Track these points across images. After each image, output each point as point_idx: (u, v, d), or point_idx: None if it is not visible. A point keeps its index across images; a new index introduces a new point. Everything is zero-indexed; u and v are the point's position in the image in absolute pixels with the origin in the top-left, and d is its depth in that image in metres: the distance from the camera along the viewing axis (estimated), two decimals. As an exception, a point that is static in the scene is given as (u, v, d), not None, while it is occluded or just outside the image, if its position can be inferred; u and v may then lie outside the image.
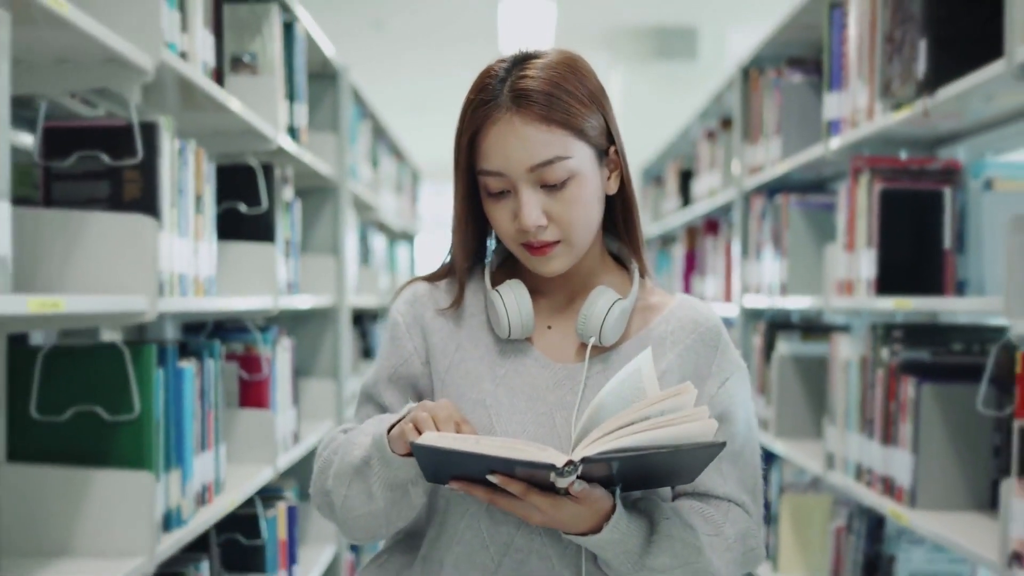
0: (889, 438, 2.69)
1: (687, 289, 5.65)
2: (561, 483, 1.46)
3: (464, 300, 1.74)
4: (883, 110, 2.68)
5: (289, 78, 3.31)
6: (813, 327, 3.77)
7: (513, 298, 1.67)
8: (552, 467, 1.42)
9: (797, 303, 3.50)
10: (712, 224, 5.12)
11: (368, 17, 8.05)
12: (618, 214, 1.72)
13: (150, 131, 2.03)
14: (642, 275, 1.73)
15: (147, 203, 2.03)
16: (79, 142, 2.02)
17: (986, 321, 2.87)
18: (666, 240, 6.60)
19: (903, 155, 3.11)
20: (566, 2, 7.55)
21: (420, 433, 1.49)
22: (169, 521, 2.18)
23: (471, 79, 1.66)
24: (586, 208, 1.63)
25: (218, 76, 2.58)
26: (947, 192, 2.73)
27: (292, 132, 3.32)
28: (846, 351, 3.03)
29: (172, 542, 2.15)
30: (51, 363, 2.04)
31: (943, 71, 2.34)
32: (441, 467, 1.50)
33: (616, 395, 1.50)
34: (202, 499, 2.43)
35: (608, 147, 1.66)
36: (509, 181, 1.61)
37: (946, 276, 2.71)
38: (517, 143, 1.59)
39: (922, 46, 2.40)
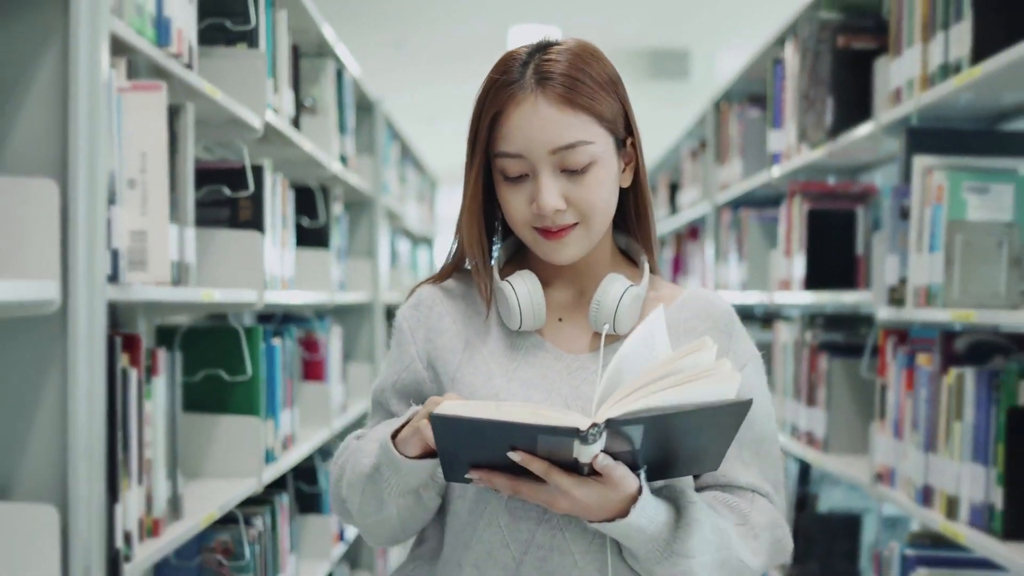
0: (811, 401, 3.47)
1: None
2: (585, 454, 1.42)
3: (468, 296, 1.72)
4: (805, 148, 3.46)
5: (340, 115, 4.09)
6: (771, 317, 4.54)
7: (525, 288, 1.64)
8: (576, 431, 1.38)
9: (753, 298, 4.27)
10: (694, 231, 5.89)
11: (391, 38, 8.81)
12: (630, 208, 1.70)
13: (258, 171, 2.81)
14: (653, 270, 1.70)
15: (256, 223, 2.81)
16: (207, 179, 2.79)
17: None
18: (659, 244, 7.37)
19: (832, 180, 3.89)
20: (570, 26, 8.30)
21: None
22: (267, 457, 2.95)
23: None
24: (605, 195, 1.61)
25: (295, 121, 3.36)
26: (860, 211, 3.50)
27: (343, 159, 4.10)
28: (784, 336, 3.80)
29: (269, 474, 2.92)
30: (187, 339, 2.81)
31: (843, 122, 3.11)
32: (459, 446, 1.46)
33: (631, 359, 1.46)
34: (285, 445, 3.20)
35: (626, 138, 1.65)
36: (529, 164, 1.59)
37: (858, 276, 3.48)
38: (541, 124, 1.57)
39: (829, 103, 3.17)
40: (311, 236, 3.82)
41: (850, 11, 3.19)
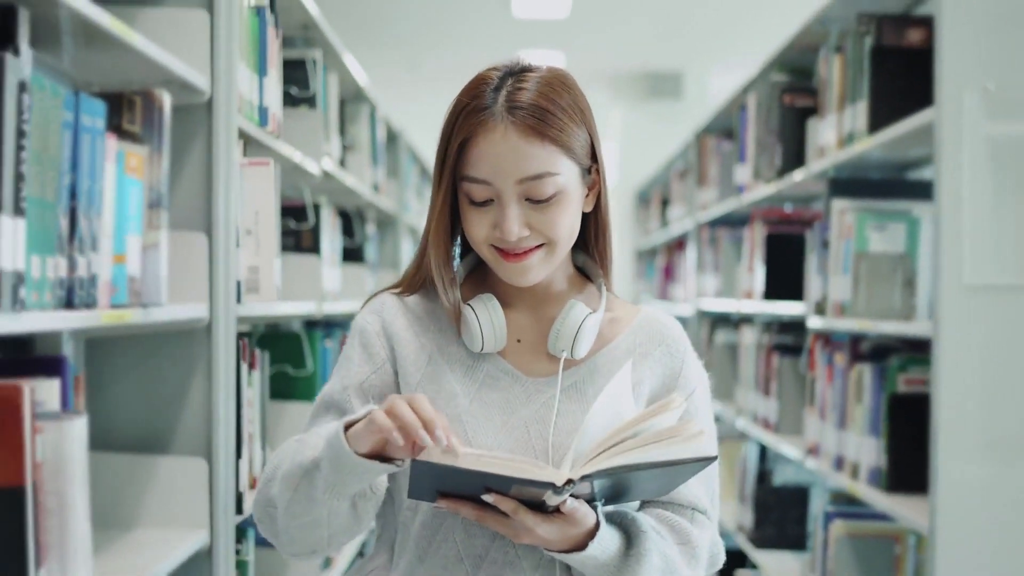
0: (767, 392, 4.18)
1: (665, 291, 7.13)
2: (554, 501, 1.49)
3: (432, 311, 1.72)
4: (761, 183, 4.17)
5: (373, 149, 4.81)
6: (739, 322, 5.25)
7: (487, 313, 1.66)
8: (552, 486, 1.45)
9: (726, 305, 4.98)
10: (681, 243, 6.61)
11: (405, 59, 9.53)
12: (591, 232, 1.72)
13: (317, 208, 3.52)
14: (608, 289, 1.74)
15: (315, 248, 3.52)
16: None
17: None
18: (652, 253, 8.09)
19: (788, 207, 4.60)
20: (573, 51, 9.01)
21: (406, 439, 1.43)
22: (322, 436, 3.66)
23: None
24: (568, 222, 1.63)
25: (342, 161, 4.07)
26: (808, 235, 4.21)
27: (375, 187, 4.82)
28: (748, 338, 4.52)
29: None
30: (261, 342, 3.53)
31: (787, 166, 3.83)
32: (434, 483, 1.50)
33: (601, 417, 1.51)
34: (333, 427, 3.91)
35: (591, 165, 1.66)
36: (494, 190, 1.60)
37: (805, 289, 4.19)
38: (509, 154, 1.58)
39: (777, 148, 3.89)
40: (350, 253, 4.54)
41: (795, 74, 3.90)
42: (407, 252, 5.92)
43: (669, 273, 7.10)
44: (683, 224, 6.19)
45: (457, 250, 1.76)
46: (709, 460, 1.51)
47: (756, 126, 4.22)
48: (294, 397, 3.51)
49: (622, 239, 9.74)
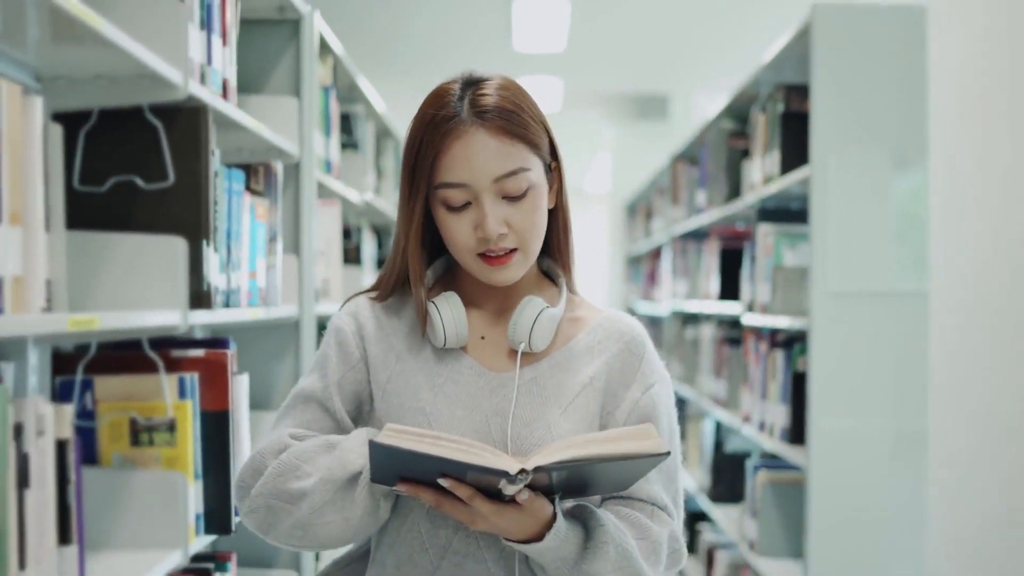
0: (719, 376, 5.16)
1: (648, 293, 8.11)
2: (509, 490, 1.52)
3: (402, 314, 1.78)
4: (715, 206, 5.15)
5: (398, 177, 5.78)
6: (703, 319, 6.22)
7: (448, 309, 1.71)
8: (505, 474, 1.49)
9: (692, 306, 5.96)
10: (659, 252, 7.58)
11: (417, 85, 10.52)
12: (555, 229, 1.79)
13: (359, 229, 4.50)
14: (571, 290, 1.82)
15: (358, 259, 4.50)
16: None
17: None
18: (638, 259, 9.08)
19: (740, 225, 5.58)
20: (568, 75, 9.97)
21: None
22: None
23: None
24: (540, 217, 1.71)
25: (377, 189, 5.05)
26: (747, 246, 5.19)
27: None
28: (707, 333, 5.50)
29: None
30: (315, 334, 4.49)
31: (730, 195, 4.80)
32: (394, 467, 1.55)
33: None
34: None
35: (551, 163, 1.74)
36: (472, 192, 1.66)
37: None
38: (483, 154, 1.64)
39: (724, 180, 4.86)
40: (380, 262, 5.52)
41: (739, 122, 4.88)
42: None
43: (652, 278, 8.08)
44: (661, 236, 7.17)
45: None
46: (661, 456, 1.56)
47: (711, 160, 5.21)
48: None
49: (614, 246, 10.74)
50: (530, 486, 1.56)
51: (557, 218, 1.80)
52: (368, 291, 1.83)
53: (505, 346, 1.77)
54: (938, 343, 3.06)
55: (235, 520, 2.37)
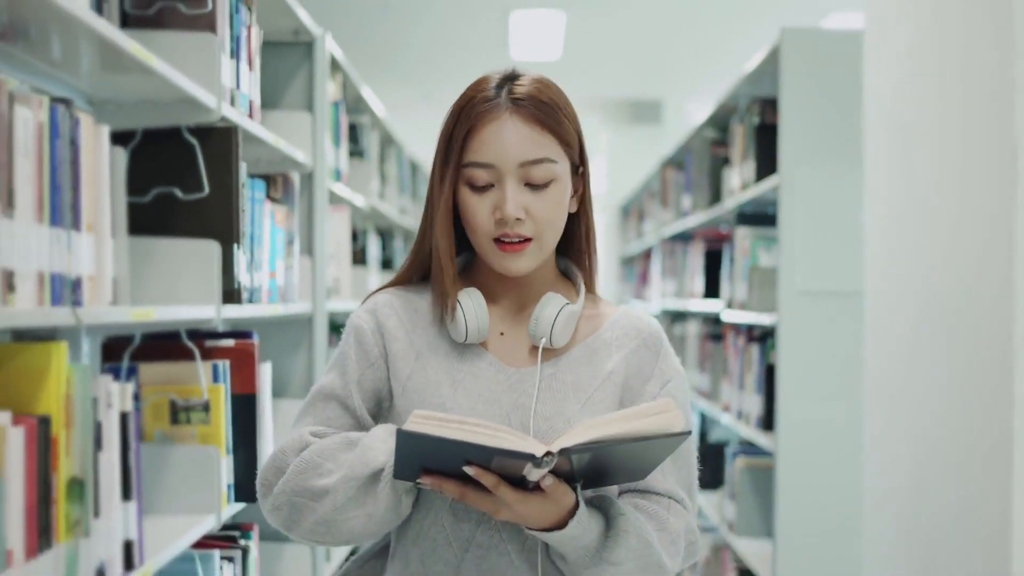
0: (703, 370, 5.48)
1: (640, 292, 8.43)
2: (534, 475, 1.54)
3: (422, 310, 1.80)
4: (699, 210, 5.47)
5: (400, 182, 6.10)
6: (689, 316, 6.54)
7: (471, 304, 1.73)
8: (532, 457, 1.50)
9: (679, 304, 6.28)
10: (650, 253, 7.90)
11: (419, 90, 10.84)
12: (578, 232, 1.82)
13: (365, 232, 4.82)
14: (590, 290, 1.83)
15: (363, 260, 4.81)
16: (336, 237, 4.80)
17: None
18: (631, 259, 9.40)
19: (723, 228, 5.90)
20: (564, 82, 10.28)
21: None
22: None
23: None
24: (559, 212, 1.73)
25: (381, 194, 5.36)
26: (726, 247, 5.51)
27: (402, 210, 6.12)
28: (692, 329, 5.83)
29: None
30: (333, 328, 4.81)
31: (712, 200, 5.12)
32: (419, 457, 1.57)
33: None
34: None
35: (579, 167, 1.77)
36: (497, 174, 1.70)
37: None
38: (514, 138, 1.68)
39: (707, 186, 5.19)
40: (384, 263, 5.84)
41: (720, 131, 5.20)
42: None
43: (644, 278, 8.40)
44: (652, 237, 7.49)
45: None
46: (681, 436, 1.58)
47: (695, 166, 5.53)
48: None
49: (608, 247, 11.07)
50: (553, 472, 1.58)
51: (580, 222, 1.83)
52: (388, 285, 1.86)
53: (524, 342, 1.80)
54: (871, 338, 3.33)
55: (261, 490, 2.69)
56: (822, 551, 3.87)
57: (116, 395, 1.91)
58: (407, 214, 6.31)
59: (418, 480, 1.62)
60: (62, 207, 1.73)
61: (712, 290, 5.45)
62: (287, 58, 3.63)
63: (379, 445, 1.66)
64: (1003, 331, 2.29)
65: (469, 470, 1.56)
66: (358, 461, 1.66)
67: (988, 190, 2.39)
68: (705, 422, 5.74)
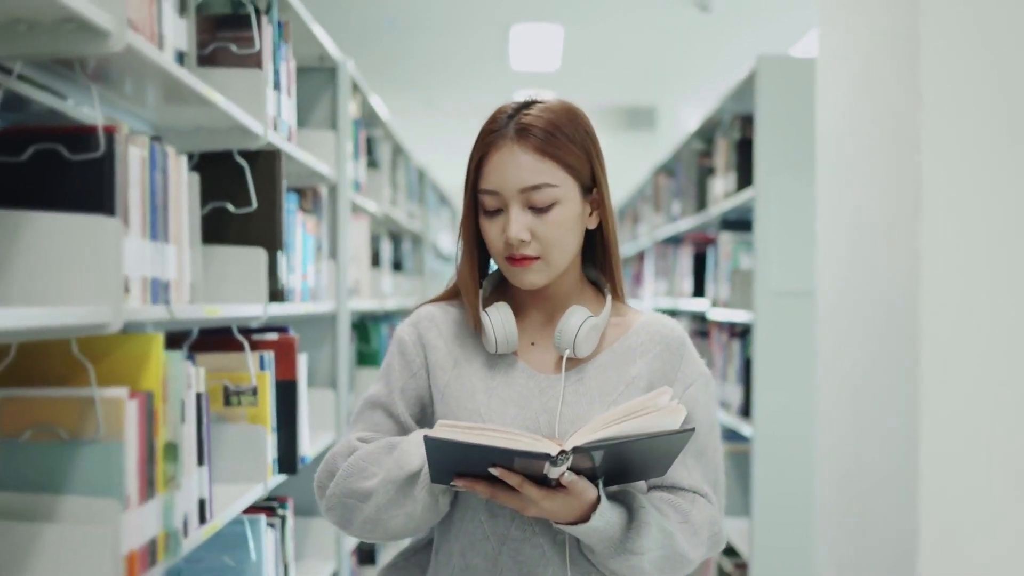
0: (691, 364, 5.89)
1: (634, 293, 8.84)
2: (553, 472, 1.65)
3: (461, 322, 1.92)
4: (687, 216, 5.88)
5: (409, 189, 6.52)
6: (679, 315, 6.94)
7: (499, 317, 1.85)
8: (547, 456, 1.62)
9: (670, 304, 6.68)
10: (643, 255, 8.30)
11: (424, 98, 11.23)
12: (597, 246, 1.92)
13: (379, 237, 5.23)
14: (616, 298, 1.93)
15: (377, 263, 5.22)
16: (352, 241, 5.21)
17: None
18: (626, 261, 9.80)
19: (711, 232, 6.31)
20: (562, 91, 10.69)
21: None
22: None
23: None
24: (564, 232, 1.83)
25: (393, 200, 5.77)
26: (710, 249, 5.91)
27: (411, 215, 6.52)
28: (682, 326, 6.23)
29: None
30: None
31: (699, 207, 5.53)
32: (449, 462, 1.71)
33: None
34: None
35: (592, 187, 1.86)
36: (503, 199, 1.82)
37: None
38: (513, 167, 1.81)
39: (693, 194, 5.60)
40: (394, 265, 6.24)
41: (707, 143, 5.61)
42: (431, 263, 7.62)
43: (638, 278, 8.80)
44: (645, 240, 7.90)
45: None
46: (687, 432, 1.67)
47: (684, 174, 5.94)
48: (362, 364, 5.23)
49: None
50: (575, 469, 1.69)
51: (600, 236, 1.93)
52: (435, 299, 2.00)
53: (553, 351, 1.90)
54: (822, 332, 3.61)
55: (299, 464, 3.10)
56: (793, 528, 4.29)
57: (194, 378, 2.32)
58: (415, 218, 6.72)
59: (452, 483, 1.77)
60: (157, 224, 2.14)
61: (700, 290, 5.85)
62: (313, 81, 4.03)
63: (413, 449, 1.81)
64: (911, 326, 2.62)
65: (494, 471, 1.70)
66: (395, 465, 1.82)
67: (901, 202, 2.76)
68: (693, 413, 6.15)
